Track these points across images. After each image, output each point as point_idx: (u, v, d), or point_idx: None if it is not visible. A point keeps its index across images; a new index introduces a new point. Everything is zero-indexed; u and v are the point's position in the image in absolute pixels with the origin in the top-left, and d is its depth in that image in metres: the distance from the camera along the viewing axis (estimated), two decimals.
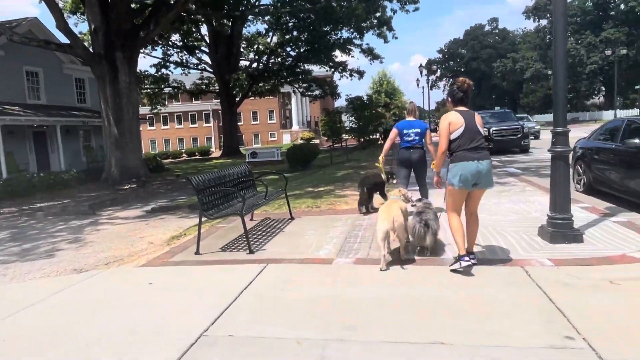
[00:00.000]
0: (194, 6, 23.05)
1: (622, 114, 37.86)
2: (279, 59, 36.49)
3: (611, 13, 55.85)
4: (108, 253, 6.70)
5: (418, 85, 52.11)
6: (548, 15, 61.47)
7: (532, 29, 72.36)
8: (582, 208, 6.73)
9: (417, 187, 6.94)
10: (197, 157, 50.02)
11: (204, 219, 5.72)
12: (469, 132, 4.26)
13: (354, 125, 30.52)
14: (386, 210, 4.86)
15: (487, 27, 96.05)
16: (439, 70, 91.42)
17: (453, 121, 4.32)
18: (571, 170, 9.32)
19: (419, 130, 6.69)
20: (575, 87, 57.02)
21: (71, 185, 16.31)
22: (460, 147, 4.26)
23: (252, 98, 54.20)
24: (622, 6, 51.05)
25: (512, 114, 22.13)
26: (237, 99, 37.19)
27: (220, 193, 6.11)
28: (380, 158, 7.22)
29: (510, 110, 24.72)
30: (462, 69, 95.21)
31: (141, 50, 32.97)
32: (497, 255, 4.80)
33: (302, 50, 34.05)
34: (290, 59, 35.88)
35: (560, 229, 5.11)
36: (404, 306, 3.60)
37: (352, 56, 34.30)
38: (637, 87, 49.06)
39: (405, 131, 6.74)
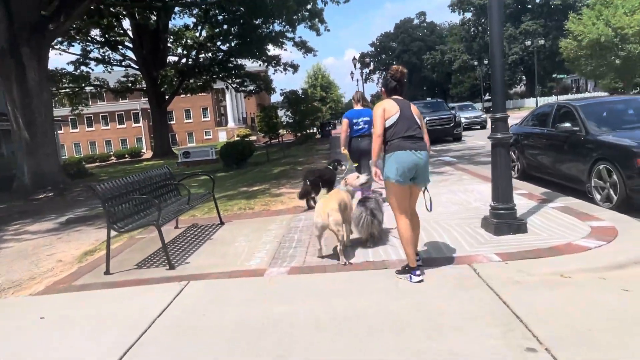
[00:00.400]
0: None
1: (542, 101, 40.17)
2: (210, 54, 35.13)
3: (528, 6, 59.10)
4: (4, 278, 5.71)
5: (352, 78, 52.04)
6: (472, 8, 64.10)
7: (457, 22, 75.21)
8: (520, 195, 6.62)
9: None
10: (127, 159, 47.43)
11: (114, 232, 4.93)
12: (404, 120, 3.95)
13: (290, 120, 29.99)
14: (323, 204, 4.41)
15: (416, 21, 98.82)
16: (372, 64, 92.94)
17: (387, 108, 4.01)
18: None
19: (367, 118, 6.73)
20: None
21: None
22: (396, 135, 3.93)
23: (183, 95, 52.25)
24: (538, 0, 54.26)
25: (445, 104, 22.56)
26: (167, 97, 35.44)
27: (134, 201, 5.33)
28: (343, 150, 7.06)
29: (442, 100, 25.26)
30: (394, 62, 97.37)
31: (55, 46, 30.73)
32: (443, 252, 4.46)
33: (233, 44, 32.94)
34: (222, 53, 34.62)
35: (504, 219, 4.87)
36: (344, 325, 3.11)
37: (285, 49, 33.68)
38: (554, 75, 52.37)
39: (354, 120, 6.80)
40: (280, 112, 32.48)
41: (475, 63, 58.65)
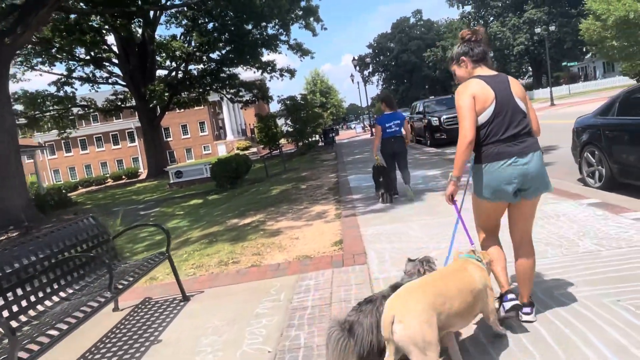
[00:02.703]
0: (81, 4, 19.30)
1: (556, 91, 37.69)
2: (201, 65, 33.08)
3: None
4: None
5: (353, 81, 49.92)
6: (470, 1, 61.90)
7: (455, 18, 72.98)
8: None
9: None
10: (125, 180, 45.46)
11: None
12: (504, 111, 2.65)
13: (290, 129, 27.75)
14: (393, 300, 2.24)
15: (412, 20, 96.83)
16: (370, 65, 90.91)
17: (478, 94, 2.64)
18: (577, 161, 7.00)
19: (398, 121, 7.26)
20: (505, 69, 57.43)
21: None
22: (491, 137, 2.65)
23: (178, 111, 50.28)
24: None
25: None
26: (158, 113, 33.35)
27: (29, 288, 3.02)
28: (375, 157, 7.57)
29: None
30: (393, 62, 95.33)
31: (35, 67, 28.74)
32: None
33: (224, 52, 30.85)
34: (213, 63, 32.54)
35: None
36: None
37: (280, 52, 31.41)
38: (563, 64, 49.90)
39: (387, 125, 7.28)
40: (280, 121, 30.28)
41: None
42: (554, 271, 3.52)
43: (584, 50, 58.36)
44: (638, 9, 19.83)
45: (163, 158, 35.36)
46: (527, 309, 2.77)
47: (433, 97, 23.90)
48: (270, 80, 32.99)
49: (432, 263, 2.74)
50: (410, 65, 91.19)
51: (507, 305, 2.66)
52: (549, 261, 3.73)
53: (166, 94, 30.68)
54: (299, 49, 29.14)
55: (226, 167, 14.85)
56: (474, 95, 2.62)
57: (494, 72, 2.77)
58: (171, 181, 22.52)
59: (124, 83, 32.38)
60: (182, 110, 52.06)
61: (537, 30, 36.79)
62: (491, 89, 2.63)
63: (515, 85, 2.72)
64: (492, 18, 60.28)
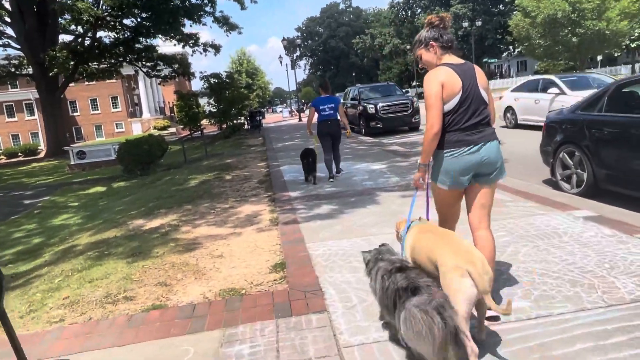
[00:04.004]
0: None
1: None
2: (114, 33, 29.49)
3: None
4: None
5: (281, 63, 47.82)
6: None
7: (383, 7, 73.28)
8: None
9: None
10: (21, 158, 40.27)
11: None
12: (468, 100, 2.65)
13: (214, 110, 25.55)
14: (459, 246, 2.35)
15: (342, 6, 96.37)
16: (298, 49, 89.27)
17: (447, 82, 2.63)
18: (548, 161, 6.15)
19: (333, 105, 7.50)
20: None
21: None
22: (453, 126, 2.67)
23: (87, 83, 45.40)
24: None
25: (397, 87, 19.40)
26: (61, 83, 29.38)
27: None
28: (309, 133, 8.10)
29: (394, 83, 22.11)
30: (321, 47, 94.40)
31: None
32: None
33: (140, 19, 27.64)
34: (128, 32, 29.13)
35: None
36: None
37: (204, 24, 28.65)
38: (484, 60, 51.79)
39: (321, 107, 7.50)
40: (203, 101, 27.86)
41: (408, 47, 56.71)
42: (609, 334, 2.39)
43: (502, 48, 61.29)
44: (566, 8, 20.22)
45: (65, 135, 31.31)
46: None
47: (366, 84, 22.95)
48: (192, 55, 30.20)
49: (390, 249, 2.67)
50: (338, 51, 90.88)
51: None
52: (592, 315, 2.61)
53: (70, 63, 26.96)
54: (225, 23, 26.86)
55: (136, 150, 12.73)
56: (442, 83, 2.62)
57: (461, 61, 2.77)
58: (72, 162, 19.61)
59: (18, 46, 28.04)
60: (92, 82, 47.22)
61: (465, 24, 37.28)
62: (459, 78, 2.64)
63: (480, 75, 2.75)
64: (419, 10, 61.07)
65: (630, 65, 45.19)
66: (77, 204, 10.13)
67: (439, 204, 2.90)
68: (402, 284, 2.17)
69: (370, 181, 7.29)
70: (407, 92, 25.42)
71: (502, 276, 3.21)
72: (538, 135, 11.83)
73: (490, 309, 2.25)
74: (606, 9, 19.95)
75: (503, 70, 68.07)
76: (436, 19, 2.82)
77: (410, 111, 16.05)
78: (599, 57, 22.91)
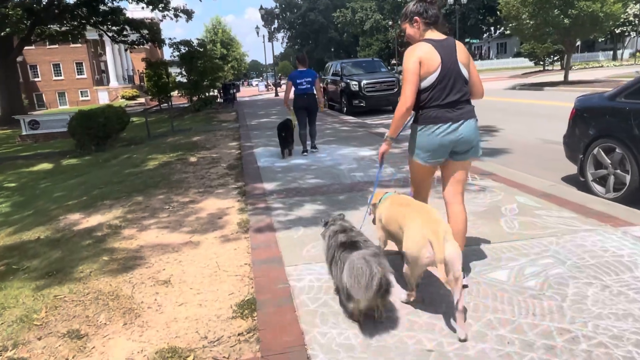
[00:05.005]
0: None
1: None
2: None
3: None
4: None
5: (258, 34, 45.59)
6: None
7: None
8: None
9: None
10: None
11: None
12: (447, 77, 2.66)
13: (183, 80, 23.81)
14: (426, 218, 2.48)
15: None
16: (276, 20, 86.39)
17: (425, 58, 2.63)
18: (577, 157, 5.14)
19: (310, 79, 7.40)
20: None
21: None
22: (431, 102, 2.69)
23: (49, 46, 42.52)
24: None
25: (382, 63, 18.16)
26: (15, 45, 26.90)
27: None
28: (287, 108, 7.82)
29: (379, 59, 20.82)
30: (300, 20, 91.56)
31: None
32: None
33: None
34: None
35: None
36: None
37: None
38: (467, 40, 50.80)
39: (298, 80, 7.37)
40: (175, 71, 25.98)
41: (390, 23, 55.11)
42: None
43: (484, 29, 60.48)
44: None
45: (21, 102, 28.89)
46: None
47: (348, 59, 21.61)
48: (162, 21, 28.11)
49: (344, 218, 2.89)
50: (317, 25, 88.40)
51: None
52: None
53: (25, 22, 24.58)
54: None
55: (90, 123, 11.22)
56: (420, 60, 2.62)
57: (442, 37, 2.74)
58: (23, 132, 17.76)
59: None
60: (55, 46, 44.18)
61: (450, 1, 36.03)
62: (438, 54, 2.63)
63: (461, 51, 2.72)
64: None
65: (612, 52, 45.17)
66: (14, 184, 8.69)
67: (414, 176, 2.97)
68: (342, 239, 2.52)
69: (360, 172, 6.17)
70: (393, 69, 24.16)
71: (578, 346, 2.16)
72: (535, 121, 10.96)
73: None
74: None
75: (482, 51, 67.52)
76: None
77: (396, 90, 14.88)
78: (578, 42, 22.10)
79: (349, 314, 2.48)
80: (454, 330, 2.30)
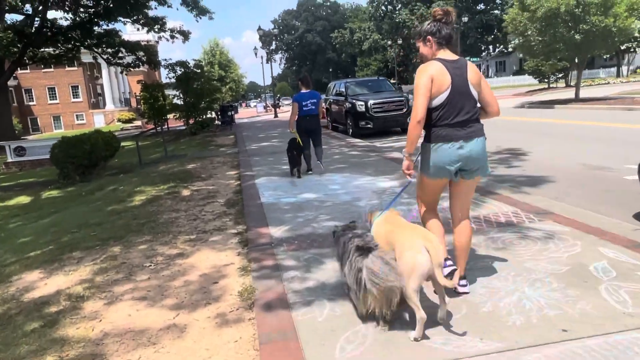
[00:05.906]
0: None
1: None
2: (69, 14, 26.45)
3: None
4: None
5: (256, 54, 45.11)
6: None
7: (361, 3, 71.30)
8: None
9: None
10: None
11: None
12: (456, 97, 2.71)
13: (179, 102, 22.92)
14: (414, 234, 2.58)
15: (319, 0, 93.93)
16: (273, 43, 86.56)
17: (437, 77, 2.68)
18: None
19: (315, 100, 7.46)
20: (409, 58, 56.90)
21: None
22: (441, 121, 2.74)
23: (44, 70, 41.95)
24: None
25: (389, 83, 17.29)
26: (7, 68, 26.10)
27: None
28: (292, 130, 7.62)
29: (385, 78, 19.98)
30: (297, 42, 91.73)
31: None
32: None
33: None
34: (85, 13, 26.12)
35: None
36: None
37: (170, 5, 25.56)
38: (467, 58, 50.46)
39: (303, 102, 7.41)
40: (172, 93, 25.13)
41: (389, 42, 54.76)
42: None
43: (483, 48, 60.32)
44: (570, 2, 18.54)
45: (10, 126, 27.88)
46: (463, 282, 2.89)
47: (353, 78, 20.83)
48: (158, 42, 27.38)
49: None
50: (314, 46, 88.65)
51: (446, 270, 2.78)
52: None
53: (17, 45, 23.83)
54: (195, 6, 24.21)
55: (75, 150, 10.19)
56: (432, 77, 2.67)
57: (455, 57, 2.78)
58: (8, 160, 16.75)
59: None
60: (50, 69, 43.50)
61: (465, 19, 35.61)
62: (449, 74, 2.68)
63: (472, 72, 2.75)
64: (400, 5, 59.31)
65: (612, 68, 44.69)
66: None
67: (424, 193, 3.00)
68: (358, 243, 2.58)
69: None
70: (400, 87, 23.21)
71: None
72: (566, 142, 9.95)
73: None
74: (613, 4, 18.37)
75: (482, 70, 67.34)
76: (440, 12, 2.82)
77: (405, 110, 13.95)
78: (575, 59, 21.36)
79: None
80: None
